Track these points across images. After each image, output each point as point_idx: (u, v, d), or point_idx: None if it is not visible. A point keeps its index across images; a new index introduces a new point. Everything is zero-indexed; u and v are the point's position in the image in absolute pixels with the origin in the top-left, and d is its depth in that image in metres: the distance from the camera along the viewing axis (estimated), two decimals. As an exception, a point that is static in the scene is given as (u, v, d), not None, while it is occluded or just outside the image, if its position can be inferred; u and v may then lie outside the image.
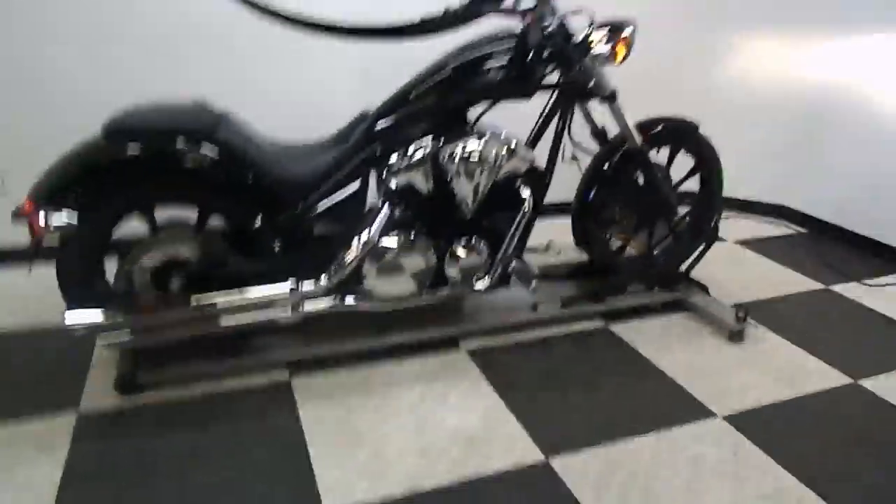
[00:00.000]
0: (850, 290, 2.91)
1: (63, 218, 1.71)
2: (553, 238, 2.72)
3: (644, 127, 2.47)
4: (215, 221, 2.02)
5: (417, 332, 2.31)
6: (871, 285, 2.94)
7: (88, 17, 2.62)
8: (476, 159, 2.05)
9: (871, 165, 3.22)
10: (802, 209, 3.62)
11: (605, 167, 2.45)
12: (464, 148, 2.05)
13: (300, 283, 2.00)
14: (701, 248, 2.69)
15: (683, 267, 2.72)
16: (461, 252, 2.18)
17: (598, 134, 2.46)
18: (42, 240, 1.73)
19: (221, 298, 1.95)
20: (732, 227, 3.58)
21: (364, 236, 2.03)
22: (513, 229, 2.22)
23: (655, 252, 2.69)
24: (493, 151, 2.08)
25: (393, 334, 2.28)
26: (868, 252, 3.26)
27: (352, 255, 2.02)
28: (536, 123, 2.36)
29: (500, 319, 2.44)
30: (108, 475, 1.69)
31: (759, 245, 3.40)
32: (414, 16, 2.26)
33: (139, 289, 1.93)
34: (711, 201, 2.67)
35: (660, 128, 2.49)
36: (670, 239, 2.68)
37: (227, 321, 1.98)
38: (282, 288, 1.98)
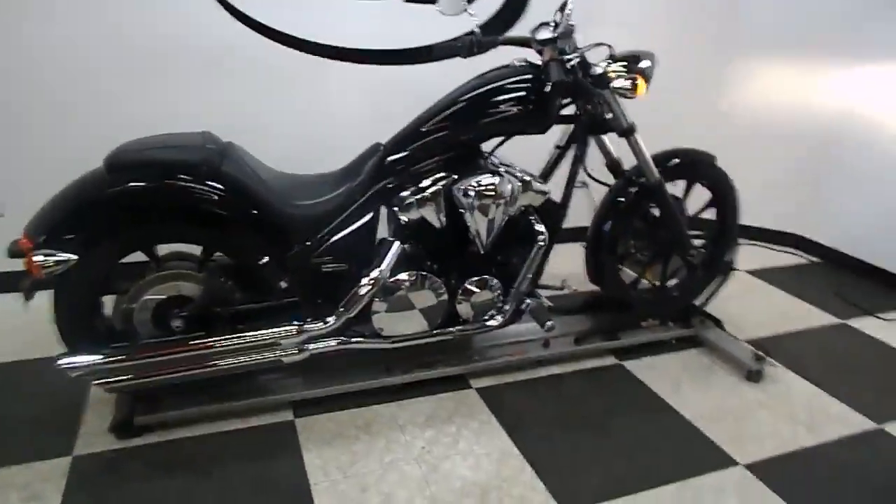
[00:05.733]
0: (867, 324, 2.84)
1: (61, 257, 1.63)
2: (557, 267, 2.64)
3: (660, 160, 2.41)
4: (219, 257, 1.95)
5: (426, 371, 2.23)
6: (888, 320, 2.87)
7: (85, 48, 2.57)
8: (492, 194, 1.98)
9: (888, 196, 3.15)
10: (817, 239, 3.56)
11: (621, 200, 2.38)
12: (479, 183, 1.98)
13: (307, 322, 1.92)
14: (717, 281, 2.63)
15: (699, 301, 2.65)
16: (474, 289, 2.11)
17: (614, 166, 2.40)
18: (38, 279, 1.65)
19: (224, 338, 1.87)
20: (744, 256, 3.50)
21: (374, 273, 1.95)
22: (527, 264, 2.15)
23: (669, 285, 2.63)
24: (509, 186, 2.01)
25: (401, 372, 2.20)
26: (884, 284, 3.19)
27: (361, 292, 1.94)
28: (552, 156, 2.30)
29: (511, 357, 2.36)
30: (104, 528, 1.61)
31: (773, 276, 3.33)
32: (427, 42, 2.22)
33: (138, 328, 1.85)
34: (728, 234, 2.61)
35: (676, 161, 2.43)
36: (684, 272, 2.62)
37: (230, 362, 1.89)
38: (288, 327, 1.90)
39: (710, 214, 2.58)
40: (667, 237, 2.46)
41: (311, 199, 1.92)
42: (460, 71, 2.13)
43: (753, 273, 3.35)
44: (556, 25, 2.01)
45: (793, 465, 1.95)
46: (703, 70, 3.43)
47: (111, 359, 1.76)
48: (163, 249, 1.95)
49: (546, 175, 2.29)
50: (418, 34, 2.86)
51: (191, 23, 2.63)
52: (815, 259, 3.55)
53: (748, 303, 3.01)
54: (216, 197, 1.75)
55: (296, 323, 1.91)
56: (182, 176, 1.73)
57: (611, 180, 2.39)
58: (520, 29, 3.09)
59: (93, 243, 1.71)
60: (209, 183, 1.74)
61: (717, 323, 2.64)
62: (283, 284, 1.90)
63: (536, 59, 2.11)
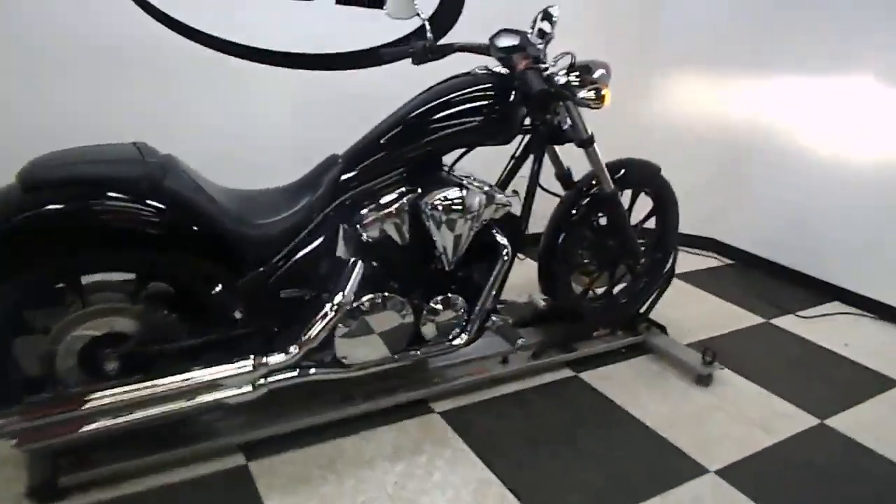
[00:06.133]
0: (788, 322, 3.01)
1: (-31, 296, 1.34)
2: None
3: (609, 170, 2.41)
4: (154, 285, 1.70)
5: (385, 398, 2.08)
6: (806, 317, 3.06)
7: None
8: (460, 208, 1.88)
9: (794, 200, 3.38)
10: (729, 242, 3.75)
11: (574, 211, 2.36)
12: (446, 197, 1.87)
13: (266, 355, 1.72)
14: (659, 288, 2.68)
15: (643, 308, 2.68)
16: (438, 307, 1.99)
17: (564, 177, 2.37)
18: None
19: (170, 380, 1.63)
20: (667, 260, 3.63)
21: (338, 297, 1.78)
22: (491, 280, 2.06)
23: (614, 293, 2.64)
24: (477, 199, 1.91)
25: (359, 401, 2.04)
26: (793, 283, 3.41)
27: (326, 318, 1.77)
28: (507, 166, 2.23)
29: (471, 376, 2.26)
30: None
31: (696, 278, 3.47)
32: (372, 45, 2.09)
33: (63, 374, 1.57)
34: (669, 241, 2.66)
35: (624, 171, 2.44)
36: (629, 280, 2.64)
37: (177, 406, 1.65)
38: (243, 363, 1.69)
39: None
40: (617, 246, 2.47)
41: (266, 218, 1.72)
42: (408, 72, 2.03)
43: (679, 277, 3.46)
44: (537, 34, 1.95)
45: (758, 467, 2.00)
46: (623, 84, 3.50)
47: (30, 415, 1.47)
48: (85, 279, 1.67)
49: (503, 186, 2.21)
50: (358, 38, 2.72)
51: (99, 21, 2.33)
52: (728, 261, 3.75)
53: (678, 306, 3.10)
54: (161, 218, 1.51)
55: (253, 356, 1.70)
56: (120, 194, 1.48)
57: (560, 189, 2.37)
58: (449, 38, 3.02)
59: (8, 276, 1.43)
60: (151, 202, 1.51)
61: (662, 329, 2.69)
62: (238, 314, 1.69)
63: (493, 67, 2.04)
